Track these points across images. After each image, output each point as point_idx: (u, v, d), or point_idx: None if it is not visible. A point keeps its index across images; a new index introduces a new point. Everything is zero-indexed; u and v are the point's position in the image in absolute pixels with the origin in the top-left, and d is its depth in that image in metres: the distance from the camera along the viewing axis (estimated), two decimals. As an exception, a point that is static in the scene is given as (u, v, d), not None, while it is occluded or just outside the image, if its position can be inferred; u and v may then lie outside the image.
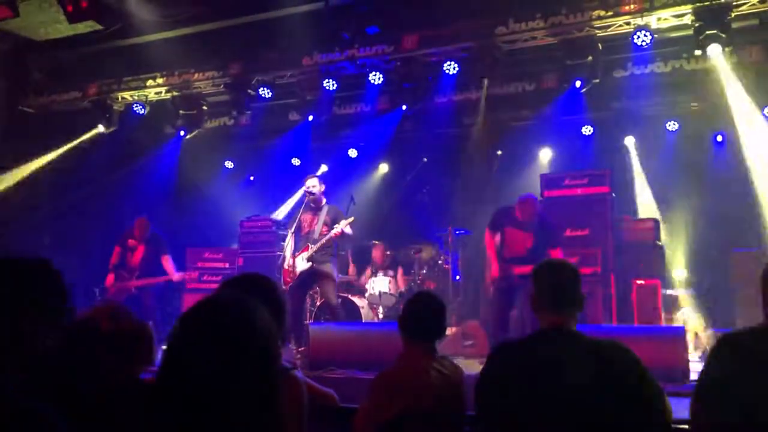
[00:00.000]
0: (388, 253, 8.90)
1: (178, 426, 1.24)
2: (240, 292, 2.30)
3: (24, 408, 1.33)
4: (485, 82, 7.89)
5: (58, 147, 9.86)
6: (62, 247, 9.62)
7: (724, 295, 7.04)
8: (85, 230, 9.36)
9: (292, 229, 7.01)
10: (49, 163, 9.79)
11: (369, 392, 2.89)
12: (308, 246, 6.87)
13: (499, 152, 9.32)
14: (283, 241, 7.64)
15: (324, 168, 9.85)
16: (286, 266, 6.93)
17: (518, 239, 6.25)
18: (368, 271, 8.91)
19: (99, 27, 8.21)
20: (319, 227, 6.89)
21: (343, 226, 6.75)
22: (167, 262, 8.00)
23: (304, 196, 7.09)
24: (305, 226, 7.01)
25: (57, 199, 9.53)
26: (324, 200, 7.11)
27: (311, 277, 6.91)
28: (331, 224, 6.89)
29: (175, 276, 7.98)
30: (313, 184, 7.00)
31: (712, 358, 2.27)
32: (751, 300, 6.40)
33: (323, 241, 6.78)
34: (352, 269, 9.15)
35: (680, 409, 2.46)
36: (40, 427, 1.34)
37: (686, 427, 2.52)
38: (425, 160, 9.54)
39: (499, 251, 6.37)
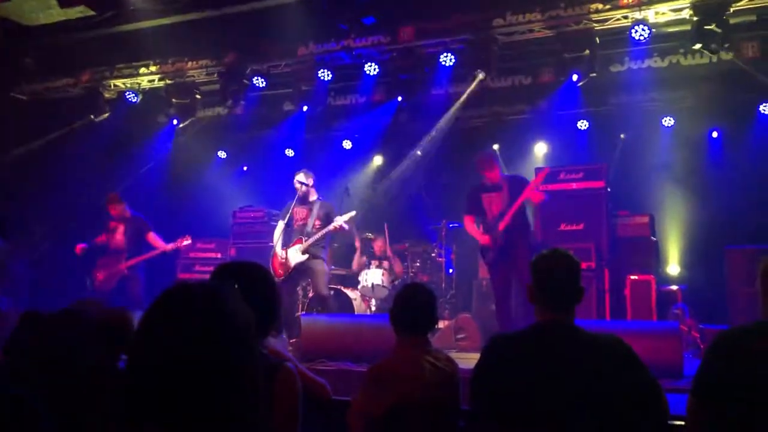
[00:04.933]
0: (389, 244, 8.85)
1: (149, 415, 1.20)
2: (231, 278, 2.28)
3: (8, 396, 1.29)
4: (479, 74, 7.82)
5: (49, 134, 9.77)
6: (54, 237, 9.55)
7: (717, 291, 7.04)
8: (78, 219, 9.27)
9: (285, 220, 7.01)
10: (41, 151, 9.70)
11: (362, 385, 2.85)
12: (301, 239, 6.86)
13: (496, 146, 9.26)
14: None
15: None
16: (276, 257, 6.91)
17: (494, 199, 6.39)
18: (363, 259, 8.84)
19: (91, 13, 8.12)
20: (312, 221, 6.89)
21: (344, 220, 6.77)
22: (154, 239, 7.76)
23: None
24: (298, 219, 7.01)
25: (49, 188, 9.45)
26: (315, 196, 7.10)
27: (303, 269, 6.90)
28: (324, 219, 6.91)
29: (167, 247, 7.71)
30: (300, 180, 6.98)
31: (710, 355, 2.25)
32: (745, 296, 6.44)
33: (319, 234, 6.78)
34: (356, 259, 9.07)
35: (674, 405, 2.44)
36: (24, 414, 1.30)
37: (682, 423, 2.49)
38: (419, 153, 9.49)
39: (485, 222, 6.47)
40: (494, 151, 6.71)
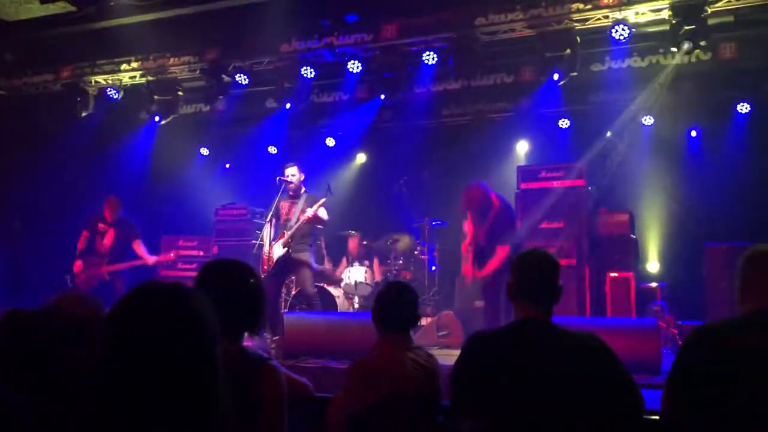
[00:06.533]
0: (364, 243, 8.88)
1: (119, 413, 1.20)
2: (216, 278, 2.29)
3: None
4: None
5: (29, 130, 9.66)
6: (34, 232, 9.45)
7: (696, 288, 7.13)
8: (58, 216, 9.19)
9: (269, 217, 6.99)
10: (21, 146, 9.59)
11: (344, 382, 2.87)
12: (284, 233, 6.85)
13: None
14: (259, 230, 7.57)
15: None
16: (264, 254, 6.90)
17: (471, 233, 6.31)
18: (344, 262, 8.88)
19: (72, 8, 8.04)
20: (296, 215, 6.86)
21: (316, 208, 6.71)
22: (139, 247, 7.83)
23: (281, 184, 7.02)
24: (283, 214, 6.98)
25: (29, 183, 9.35)
26: (303, 189, 7.07)
27: (287, 265, 6.87)
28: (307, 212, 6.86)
29: (150, 259, 7.85)
30: (292, 173, 6.97)
31: (684, 350, 2.29)
32: (723, 293, 6.53)
33: (297, 225, 6.74)
34: (326, 262, 9.09)
35: (652, 400, 2.48)
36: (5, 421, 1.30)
37: (657, 418, 2.54)
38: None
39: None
40: (478, 184, 6.22)
